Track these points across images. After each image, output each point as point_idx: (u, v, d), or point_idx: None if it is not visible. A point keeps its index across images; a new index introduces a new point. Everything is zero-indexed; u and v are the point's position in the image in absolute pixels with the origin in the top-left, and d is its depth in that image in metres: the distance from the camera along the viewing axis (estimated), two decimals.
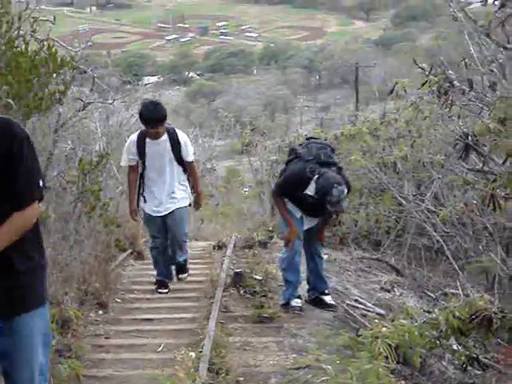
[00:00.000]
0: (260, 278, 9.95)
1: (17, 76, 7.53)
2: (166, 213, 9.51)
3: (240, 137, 23.40)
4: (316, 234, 8.85)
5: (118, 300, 9.43)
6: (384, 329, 6.61)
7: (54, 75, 8.46)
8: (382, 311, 8.64)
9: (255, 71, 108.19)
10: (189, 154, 9.55)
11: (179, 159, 9.46)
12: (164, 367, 6.36)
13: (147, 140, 9.32)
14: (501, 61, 8.66)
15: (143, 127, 9.41)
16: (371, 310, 8.94)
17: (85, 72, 11.29)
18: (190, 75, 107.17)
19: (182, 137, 9.54)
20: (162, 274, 10.05)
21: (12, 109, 7.18)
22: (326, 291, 8.98)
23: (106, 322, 8.54)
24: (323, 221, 8.90)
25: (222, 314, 8.67)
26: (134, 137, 9.56)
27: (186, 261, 10.34)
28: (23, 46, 7.85)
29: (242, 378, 6.49)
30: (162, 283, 9.98)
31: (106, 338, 8.03)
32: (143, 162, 9.45)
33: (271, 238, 13.49)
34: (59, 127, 10.71)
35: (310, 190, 8.20)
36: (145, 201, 9.61)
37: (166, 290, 9.93)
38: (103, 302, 9.06)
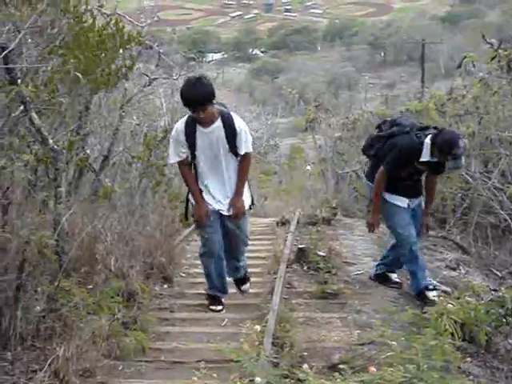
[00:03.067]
0: (324, 254, 9.93)
1: (85, 51, 7.58)
2: (226, 214, 7.86)
3: (304, 114, 23.29)
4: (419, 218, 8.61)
5: (183, 274, 9.50)
6: (450, 306, 6.55)
7: (121, 50, 8.50)
8: (448, 289, 8.55)
9: (319, 48, 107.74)
10: (246, 143, 7.70)
11: (234, 150, 7.68)
12: (229, 341, 6.40)
13: (198, 127, 7.57)
14: None
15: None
16: (437, 287, 8.86)
17: (151, 48, 11.38)
18: (253, 52, 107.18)
19: (239, 124, 7.67)
20: (215, 287, 8.25)
21: (80, 83, 7.25)
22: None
23: (171, 296, 8.60)
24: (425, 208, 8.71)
25: (286, 290, 8.67)
26: (181, 124, 7.73)
27: (246, 272, 8.66)
28: (90, 21, 7.90)
29: (306, 353, 6.49)
30: (214, 299, 8.26)
31: (171, 311, 8.09)
32: (193, 155, 7.71)
33: (335, 214, 13.45)
34: (125, 103, 10.82)
35: (426, 156, 7.99)
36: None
37: (220, 307, 8.17)
38: (168, 275, 9.13)
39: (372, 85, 70.31)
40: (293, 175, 28.20)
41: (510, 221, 10.68)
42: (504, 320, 6.84)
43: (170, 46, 19.93)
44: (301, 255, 9.92)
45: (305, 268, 9.67)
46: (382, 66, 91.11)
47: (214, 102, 7.44)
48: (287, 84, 54.79)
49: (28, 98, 6.64)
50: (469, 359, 6.40)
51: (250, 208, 8.18)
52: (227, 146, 7.62)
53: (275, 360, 5.85)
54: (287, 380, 5.21)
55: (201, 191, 7.80)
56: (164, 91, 14.36)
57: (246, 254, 9.79)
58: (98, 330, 6.33)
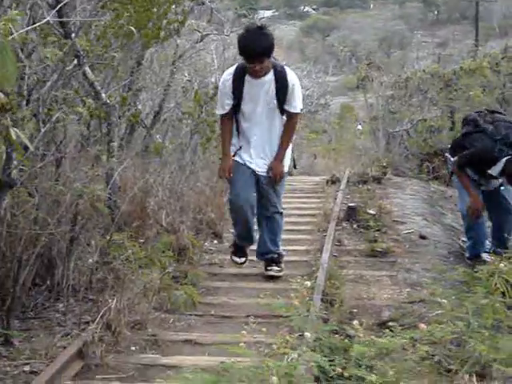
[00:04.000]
0: (373, 212, 9.93)
1: (137, 5, 7.57)
2: (261, 173, 7.32)
3: (355, 72, 23.13)
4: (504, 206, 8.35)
5: (232, 230, 9.56)
6: (501, 265, 6.50)
7: (173, 6, 8.47)
8: (499, 249, 8.48)
9: (371, 5, 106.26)
10: (296, 102, 7.17)
11: (282, 106, 7.16)
12: (278, 296, 6.43)
13: (247, 78, 7.06)
14: None
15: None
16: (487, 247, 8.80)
17: (203, 4, 11.34)
18: (305, 9, 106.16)
19: (292, 78, 7.13)
20: (243, 237, 7.79)
21: (133, 38, 7.26)
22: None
23: (220, 252, 8.66)
24: None
25: (335, 247, 8.69)
26: (228, 74, 7.23)
27: (278, 250, 7.75)
28: None
29: (355, 310, 6.50)
30: (238, 249, 7.88)
31: (221, 266, 8.16)
32: (237, 106, 7.20)
33: (385, 173, 13.41)
34: (177, 59, 10.81)
35: (495, 171, 7.94)
36: (237, 148, 7.42)
37: (243, 260, 7.88)
38: (217, 231, 9.20)
39: (424, 43, 69.32)
40: (343, 134, 28.08)
41: None
42: None
43: (221, 2, 19.82)
44: (350, 213, 9.92)
45: (354, 226, 9.68)
46: (434, 24, 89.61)
47: (272, 55, 6.99)
48: (339, 42, 54.40)
49: (82, 52, 6.68)
50: None
51: (289, 172, 7.76)
52: (275, 102, 7.10)
53: (325, 316, 5.87)
54: (336, 336, 5.23)
55: (240, 147, 7.34)
56: (215, 47, 14.30)
57: (295, 212, 9.82)
58: (149, 283, 6.40)
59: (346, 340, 4.96)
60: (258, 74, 6.98)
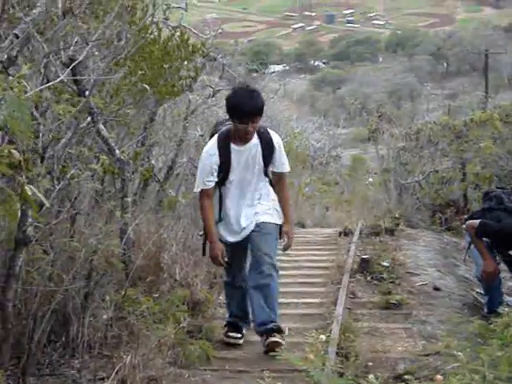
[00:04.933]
0: (387, 264, 9.92)
1: (150, 62, 7.70)
2: (248, 231, 6.91)
3: (366, 124, 23.25)
4: None
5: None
6: None
7: (186, 62, 8.60)
8: None
9: (381, 59, 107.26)
10: (283, 161, 6.98)
11: (267, 168, 6.95)
12: (293, 350, 6.42)
13: (232, 146, 6.75)
14: None
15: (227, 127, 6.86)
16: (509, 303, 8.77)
17: (214, 59, 11.48)
18: (315, 63, 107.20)
19: (277, 139, 6.94)
20: (235, 314, 7.37)
21: (146, 94, 7.36)
22: None
23: None
24: None
25: (349, 300, 8.67)
26: (212, 148, 6.79)
27: (275, 320, 6.94)
28: (156, 33, 8.02)
29: (370, 363, 6.48)
30: (233, 326, 7.33)
31: None
32: (223, 179, 6.83)
33: (397, 225, 13.39)
34: (189, 114, 10.93)
35: None
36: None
37: (239, 335, 7.25)
38: None
39: (434, 95, 69.73)
40: (355, 186, 28.12)
41: None
42: None
43: (232, 57, 20.06)
44: (364, 265, 9.91)
45: (368, 278, 9.65)
46: (444, 76, 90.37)
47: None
48: (349, 95, 54.73)
49: (95, 110, 6.77)
50: None
51: (281, 229, 7.06)
52: (262, 165, 6.84)
53: (340, 370, 5.85)
54: None
55: (221, 219, 6.95)
56: None
57: (308, 264, 9.81)
58: (163, 338, 6.39)
59: None
60: (248, 136, 6.67)
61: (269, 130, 6.99)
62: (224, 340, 7.20)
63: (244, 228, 6.88)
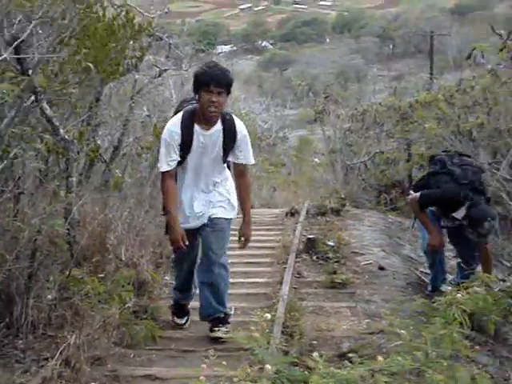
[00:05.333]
0: (333, 244, 10.00)
1: (95, 41, 7.61)
2: (201, 223, 6.68)
3: (313, 105, 23.33)
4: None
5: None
6: (459, 296, 6.58)
7: (131, 41, 8.52)
8: (456, 280, 8.57)
9: (328, 40, 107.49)
10: (247, 152, 6.62)
11: (226, 159, 6.65)
12: (239, 329, 6.44)
13: (196, 128, 6.41)
14: None
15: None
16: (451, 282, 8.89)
17: (161, 39, 11.40)
18: (262, 44, 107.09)
19: (241, 127, 6.58)
20: (183, 289, 7.20)
21: (91, 73, 7.28)
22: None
23: None
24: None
25: (295, 279, 8.73)
26: (175, 125, 6.46)
27: (225, 309, 6.92)
28: (101, 12, 7.93)
29: (315, 342, 6.54)
30: (179, 308, 7.26)
31: None
32: (182, 160, 6.52)
33: (343, 205, 13.49)
34: (135, 94, 10.85)
35: (459, 215, 7.93)
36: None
37: (186, 319, 7.23)
38: None
39: (380, 77, 70.04)
40: (302, 167, 28.23)
41: None
42: None
43: (179, 37, 19.93)
44: (310, 245, 9.98)
45: (314, 258, 9.74)
46: (390, 58, 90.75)
47: (229, 96, 6.46)
48: (296, 76, 54.80)
49: (39, 89, 6.68)
50: (477, 348, 6.44)
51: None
52: (221, 154, 6.52)
53: (285, 348, 5.89)
54: (297, 368, 5.24)
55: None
56: (174, 82, 14.37)
57: (254, 244, 9.79)
58: (108, 318, 6.38)
59: (306, 372, 4.98)
60: (212, 111, 6.26)
61: (234, 117, 6.59)
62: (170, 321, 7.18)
63: (197, 214, 6.62)
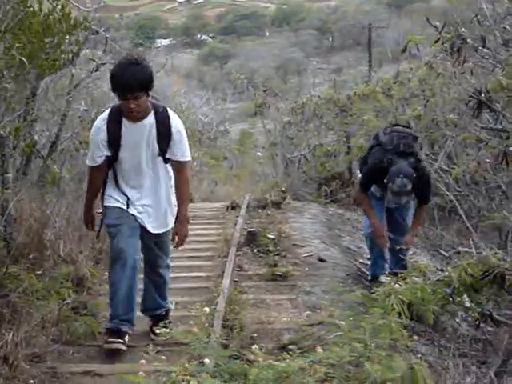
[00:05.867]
0: (273, 237, 10.03)
1: (30, 36, 7.52)
2: (148, 228, 6.31)
3: (253, 98, 23.37)
4: (401, 227, 8.49)
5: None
6: (397, 286, 6.65)
7: (67, 36, 8.43)
8: (395, 270, 8.67)
9: (267, 33, 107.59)
10: (183, 149, 6.22)
11: (165, 154, 6.19)
12: (179, 323, 6.42)
13: (124, 122, 6.03)
14: None
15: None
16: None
17: (97, 33, 11.29)
18: (202, 38, 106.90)
19: (176, 122, 6.18)
20: (119, 312, 6.28)
21: (26, 68, 7.19)
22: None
23: None
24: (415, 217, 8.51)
25: (236, 273, 8.74)
26: (102, 120, 6.14)
27: (167, 308, 6.80)
28: (36, 6, 7.83)
29: (255, 334, 6.54)
30: (113, 332, 6.26)
31: None
32: (114, 156, 6.15)
33: (284, 198, 13.54)
34: (72, 88, 10.75)
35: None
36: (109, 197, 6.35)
37: (122, 346, 6.18)
38: None
39: (320, 70, 70.39)
40: (243, 160, 28.25)
41: (456, 202, 10.84)
42: (451, 299, 6.95)
43: (117, 31, 19.80)
44: (251, 238, 10.00)
45: (255, 251, 9.75)
46: (329, 51, 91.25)
47: (151, 92, 5.96)
48: (236, 69, 54.77)
49: None
50: (416, 338, 6.52)
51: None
52: (157, 149, 6.11)
53: (225, 342, 5.89)
54: (237, 361, 5.25)
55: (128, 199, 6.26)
56: None
57: (195, 238, 9.79)
58: (47, 315, 6.33)
59: (246, 365, 4.99)
60: (133, 113, 5.90)
61: (170, 111, 6.18)
62: (104, 347, 6.23)
63: (142, 214, 6.24)
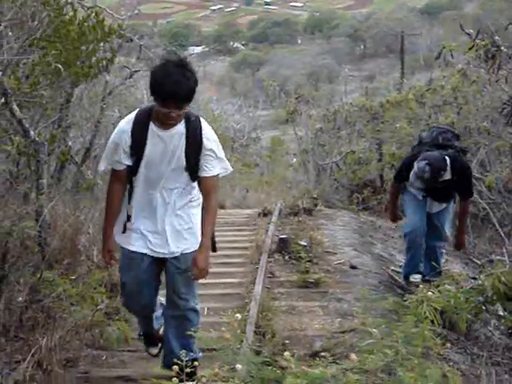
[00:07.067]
0: (305, 243, 10.02)
1: (65, 43, 7.60)
2: (163, 255, 5.36)
3: (285, 105, 23.40)
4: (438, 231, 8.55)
5: None
6: (430, 294, 6.62)
7: (102, 43, 8.51)
8: (428, 277, 8.63)
9: (300, 41, 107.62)
10: (213, 164, 5.26)
11: (193, 169, 5.23)
12: (211, 329, 6.44)
13: (151, 127, 5.15)
14: None
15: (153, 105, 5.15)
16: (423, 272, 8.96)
17: (131, 40, 11.39)
18: (234, 45, 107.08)
19: (208, 132, 5.27)
20: (144, 326, 5.95)
21: (61, 75, 7.27)
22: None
23: None
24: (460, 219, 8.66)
25: (268, 279, 8.75)
26: (127, 122, 5.24)
27: (195, 360, 5.52)
28: (71, 14, 7.91)
29: (287, 341, 6.55)
30: (148, 337, 6.00)
31: None
32: (136, 166, 5.21)
33: (316, 205, 13.53)
34: (106, 95, 10.84)
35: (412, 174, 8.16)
36: (125, 228, 5.36)
37: (157, 349, 5.98)
38: None
39: (352, 77, 70.18)
40: (274, 167, 28.25)
41: (489, 210, 10.79)
42: (483, 307, 6.91)
43: (150, 39, 19.88)
44: (282, 245, 10.00)
45: (286, 258, 9.76)
46: (361, 58, 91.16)
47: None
48: (268, 77, 54.82)
49: (9, 90, 6.66)
50: (449, 346, 6.49)
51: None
52: (183, 163, 5.19)
53: (257, 348, 5.90)
54: (269, 367, 5.26)
55: (129, 218, 5.32)
56: (145, 84, 14.35)
57: (227, 245, 9.81)
58: (81, 320, 6.38)
59: (279, 371, 5.00)
60: (171, 122, 5.08)
61: (202, 121, 5.31)
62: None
63: (155, 239, 5.33)
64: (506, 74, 9.17)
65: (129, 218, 5.31)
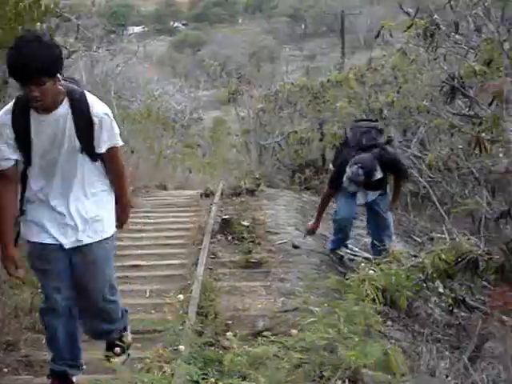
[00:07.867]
0: (247, 224, 10.01)
1: (1, 24, 7.45)
2: (72, 246, 4.87)
3: (226, 86, 23.31)
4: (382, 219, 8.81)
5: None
6: (371, 272, 6.67)
7: (39, 23, 8.36)
8: (369, 255, 8.70)
9: (240, 20, 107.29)
10: (110, 135, 4.85)
11: (90, 148, 4.79)
12: (153, 311, 6.42)
13: (32, 114, 4.65)
14: (486, 4, 8.62)
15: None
16: (358, 254, 9.04)
17: (69, 20, 11.21)
18: (174, 25, 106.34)
19: (97, 108, 4.79)
20: (61, 358, 5.13)
21: None
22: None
23: None
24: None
25: (211, 260, 8.73)
26: (5, 113, 4.70)
27: (124, 329, 5.28)
28: None
29: (230, 321, 6.56)
30: (58, 377, 5.13)
31: None
32: (26, 157, 4.74)
33: (258, 185, 13.52)
34: None
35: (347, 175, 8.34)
36: (27, 221, 4.91)
37: None
38: None
39: (293, 57, 70.46)
40: (216, 148, 28.20)
41: (429, 188, 10.89)
42: (424, 285, 6.99)
43: (89, 18, 19.64)
44: (225, 226, 9.98)
45: (229, 238, 9.73)
46: (302, 38, 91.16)
47: (60, 76, 4.53)
48: (209, 57, 54.64)
49: None
50: (390, 323, 6.56)
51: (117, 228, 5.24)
52: (77, 143, 4.72)
53: (200, 329, 5.89)
54: (212, 348, 5.26)
55: (22, 212, 4.87)
56: (84, 64, 14.19)
57: (169, 226, 9.75)
58: (20, 303, 6.29)
59: (221, 352, 5.00)
60: (39, 104, 4.52)
61: (89, 96, 4.82)
62: None
63: (66, 230, 4.87)
64: (444, 52, 9.24)
65: (22, 212, 4.87)
